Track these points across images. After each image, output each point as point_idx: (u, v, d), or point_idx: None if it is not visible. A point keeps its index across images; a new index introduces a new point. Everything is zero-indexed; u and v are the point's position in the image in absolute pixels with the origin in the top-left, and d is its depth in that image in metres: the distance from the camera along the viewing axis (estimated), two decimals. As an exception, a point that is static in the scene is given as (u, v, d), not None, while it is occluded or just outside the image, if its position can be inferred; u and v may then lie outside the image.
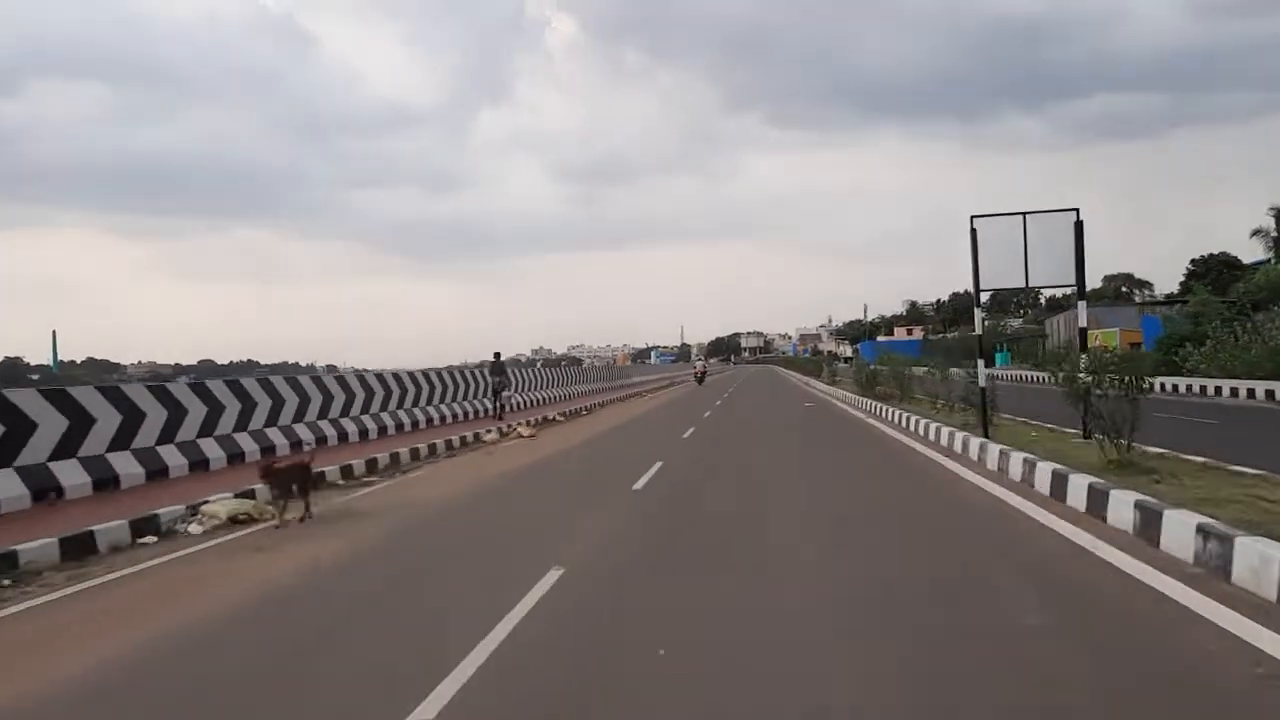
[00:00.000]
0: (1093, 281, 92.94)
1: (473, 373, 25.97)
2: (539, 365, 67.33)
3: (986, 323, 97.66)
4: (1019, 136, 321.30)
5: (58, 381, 44.21)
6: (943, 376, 18.21)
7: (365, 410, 19.33)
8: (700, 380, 56.60)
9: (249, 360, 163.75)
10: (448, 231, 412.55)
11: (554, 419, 25.29)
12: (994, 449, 10.46)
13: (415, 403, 21.90)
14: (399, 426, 19.65)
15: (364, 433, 18.05)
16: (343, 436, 17.15)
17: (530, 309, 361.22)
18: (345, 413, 18.44)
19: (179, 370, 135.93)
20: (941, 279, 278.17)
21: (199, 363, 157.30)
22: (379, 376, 21.38)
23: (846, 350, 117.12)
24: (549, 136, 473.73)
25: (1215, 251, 76.25)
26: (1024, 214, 11.65)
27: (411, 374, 22.99)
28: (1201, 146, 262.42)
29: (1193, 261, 78.52)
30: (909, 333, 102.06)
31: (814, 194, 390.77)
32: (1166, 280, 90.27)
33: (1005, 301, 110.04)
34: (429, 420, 21.40)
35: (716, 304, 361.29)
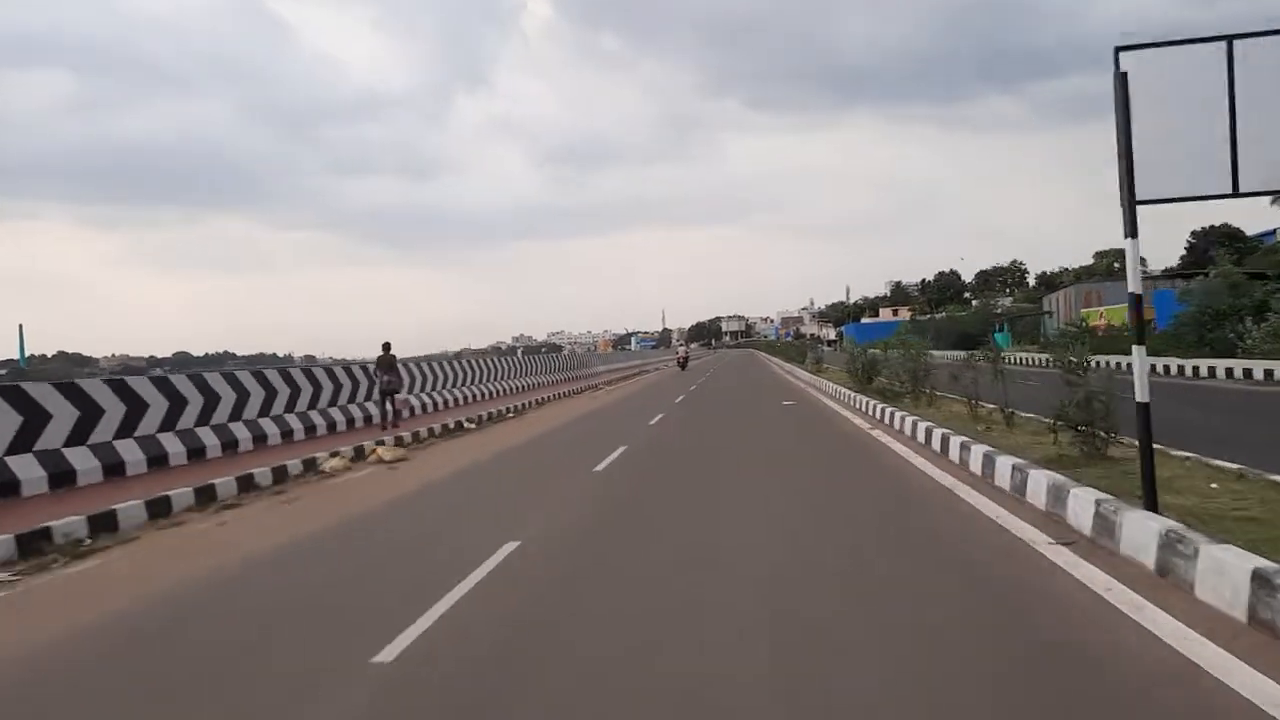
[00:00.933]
0: (1083, 258, 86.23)
1: (349, 370, 19.82)
2: (519, 353, 64.50)
3: (974, 303, 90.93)
4: (997, 117, 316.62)
5: (24, 376, 38.39)
6: (995, 370, 12.06)
7: (206, 421, 13.91)
8: (683, 366, 56.27)
9: (224, 352, 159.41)
10: (429, 220, 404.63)
11: (463, 426, 19.31)
12: (1233, 570, 4.36)
13: (291, 408, 16.40)
14: (195, 451, 13.46)
15: (116, 468, 11.89)
16: (116, 469, 10.98)
17: (513, 296, 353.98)
18: (179, 424, 13.18)
19: (153, 363, 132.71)
20: (924, 259, 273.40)
21: (174, 355, 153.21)
22: (230, 377, 15.44)
23: (830, 333, 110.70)
24: (529, 123, 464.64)
25: (1215, 224, 71.17)
26: (1227, 39, 5.63)
27: (289, 373, 17.40)
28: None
29: (1193, 234, 73.91)
30: (894, 313, 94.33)
31: (795, 177, 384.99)
32: (1159, 256, 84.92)
33: (991, 280, 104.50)
34: (258, 438, 15.21)
35: (699, 288, 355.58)
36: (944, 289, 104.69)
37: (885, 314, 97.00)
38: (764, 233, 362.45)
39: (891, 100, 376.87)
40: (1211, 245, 65.73)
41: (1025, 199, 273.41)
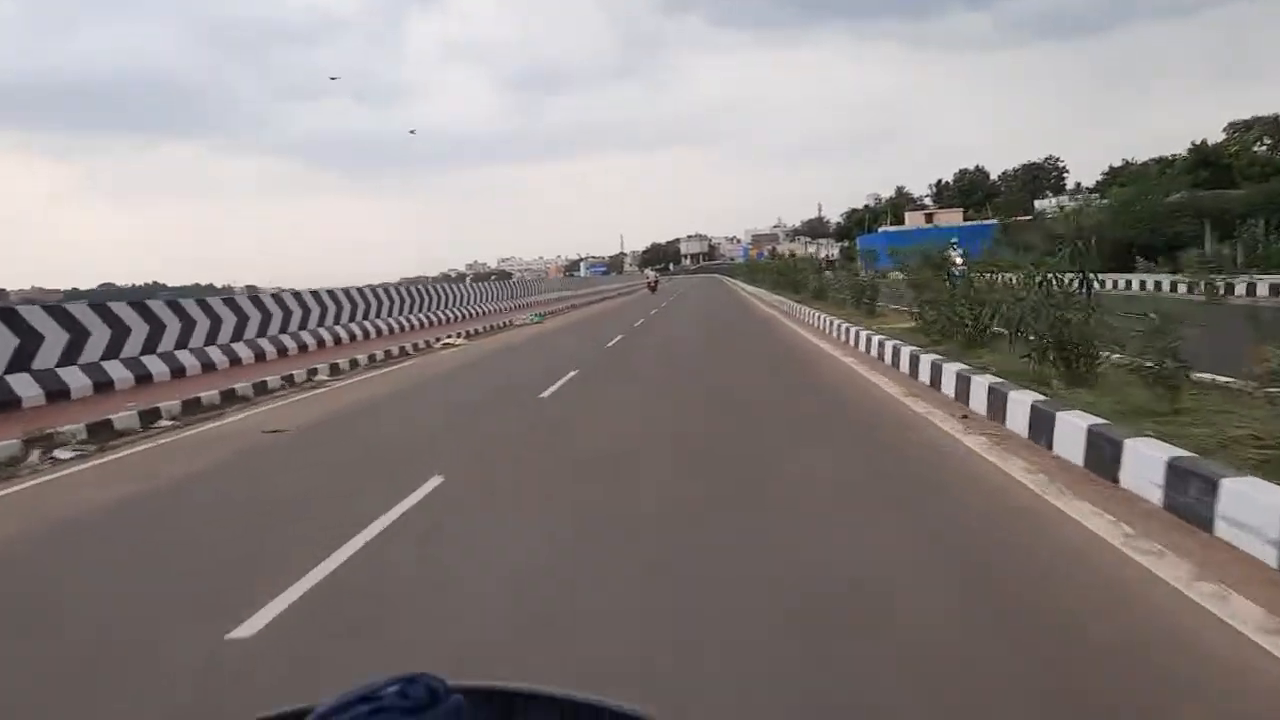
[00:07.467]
0: (1212, 131, 50.88)
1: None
2: (469, 280, 59.58)
3: (1039, 205, 64.63)
4: (967, 32, 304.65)
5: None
6: None
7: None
8: (654, 289, 56.25)
9: (153, 283, 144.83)
10: (381, 145, 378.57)
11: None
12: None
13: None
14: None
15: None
16: None
17: (467, 223, 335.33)
18: None
19: (71, 296, 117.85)
20: (898, 178, 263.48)
21: (99, 286, 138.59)
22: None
23: (814, 250, 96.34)
24: (484, 44, 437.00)
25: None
26: None
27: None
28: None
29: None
30: (928, 219, 72.28)
31: (758, 96, 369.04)
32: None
33: (1041, 179, 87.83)
34: None
35: (660, 210, 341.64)
36: (968, 191, 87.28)
37: (915, 219, 75.70)
38: (729, 153, 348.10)
39: (860, 16, 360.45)
40: None
41: (999, 115, 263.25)
